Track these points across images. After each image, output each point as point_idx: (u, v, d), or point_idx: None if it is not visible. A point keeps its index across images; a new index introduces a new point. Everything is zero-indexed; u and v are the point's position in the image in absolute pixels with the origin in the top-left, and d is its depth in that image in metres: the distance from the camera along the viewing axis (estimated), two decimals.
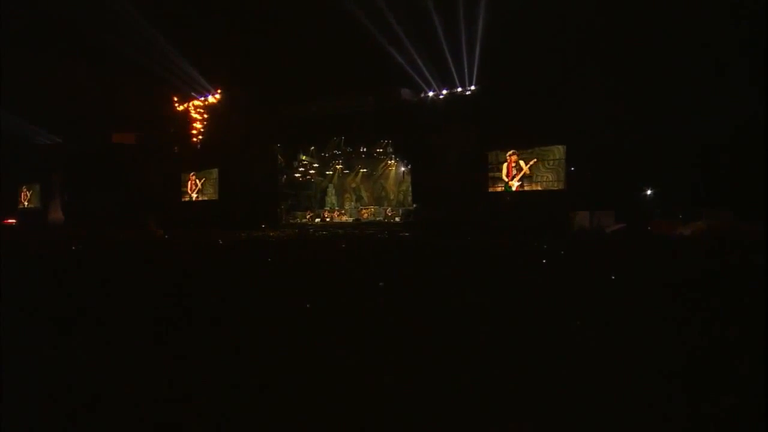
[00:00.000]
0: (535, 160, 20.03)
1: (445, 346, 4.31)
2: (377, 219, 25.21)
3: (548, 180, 19.87)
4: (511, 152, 20.54)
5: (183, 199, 29.38)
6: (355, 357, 4.01)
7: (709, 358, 4.04)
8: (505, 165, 20.81)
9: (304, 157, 27.75)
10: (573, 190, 19.19)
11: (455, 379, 3.53)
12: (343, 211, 27.18)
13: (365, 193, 28.39)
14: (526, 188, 20.29)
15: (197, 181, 28.58)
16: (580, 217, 18.70)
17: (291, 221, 26.66)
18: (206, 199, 28.29)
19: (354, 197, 28.49)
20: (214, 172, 27.80)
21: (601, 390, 3.35)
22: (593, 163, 18.37)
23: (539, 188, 20.02)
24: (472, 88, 21.52)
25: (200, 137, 28.43)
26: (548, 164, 19.82)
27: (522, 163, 20.43)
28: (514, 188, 20.65)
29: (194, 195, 29.02)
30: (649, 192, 19.97)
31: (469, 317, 5.37)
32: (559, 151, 19.58)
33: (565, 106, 18.49)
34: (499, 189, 20.96)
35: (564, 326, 4.89)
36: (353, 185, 28.63)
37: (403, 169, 26.38)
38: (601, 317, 5.32)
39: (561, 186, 19.56)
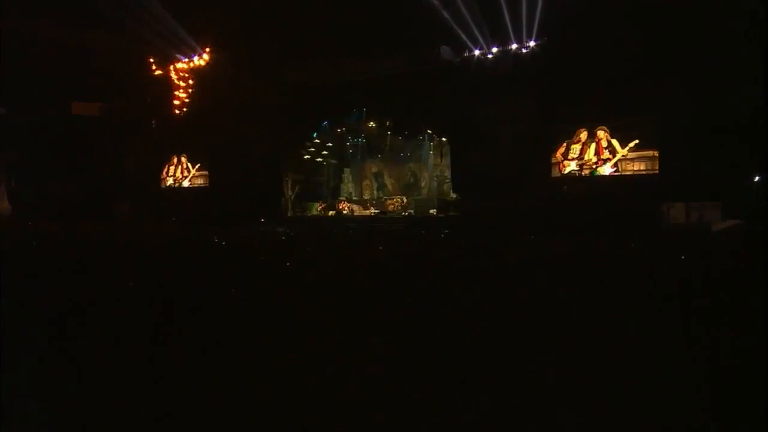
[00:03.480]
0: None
1: None
2: (407, 212, 21.37)
3: (634, 163, 16.49)
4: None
5: (163, 186, 25.91)
6: None
7: None
8: (582, 142, 17.24)
9: (314, 135, 23.92)
10: (667, 175, 15.83)
11: None
12: (366, 203, 23.48)
13: (389, 179, 24.49)
14: (598, 173, 17.06)
15: (188, 165, 25.10)
16: (676, 211, 15.37)
17: (298, 214, 23.30)
18: (194, 185, 24.89)
19: (375, 185, 24.60)
20: (203, 153, 24.53)
21: None
22: (692, 141, 15.13)
23: (622, 173, 16.64)
24: (532, 44, 17.95)
25: (184, 109, 24.87)
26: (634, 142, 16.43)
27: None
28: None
29: (183, 181, 25.37)
30: (757, 179, 16.52)
31: None
32: (650, 126, 16.15)
33: (656, 69, 15.22)
34: (574, 173, 17.40)
35: None
36: (374, 170, 24.71)
37: (441, 149, 22.49)
38: None
39: (652, 170, 16.16)
